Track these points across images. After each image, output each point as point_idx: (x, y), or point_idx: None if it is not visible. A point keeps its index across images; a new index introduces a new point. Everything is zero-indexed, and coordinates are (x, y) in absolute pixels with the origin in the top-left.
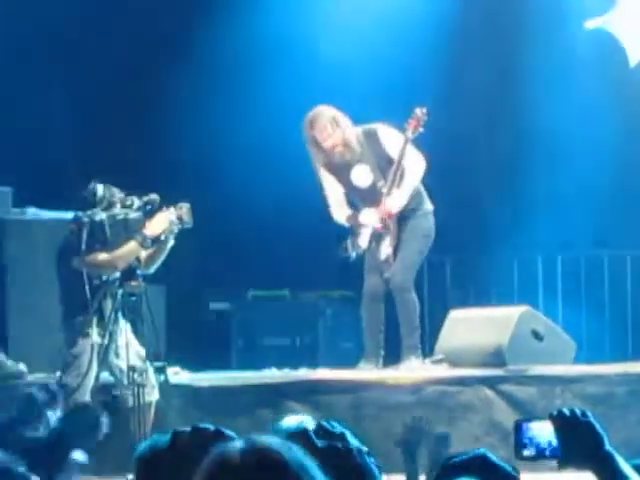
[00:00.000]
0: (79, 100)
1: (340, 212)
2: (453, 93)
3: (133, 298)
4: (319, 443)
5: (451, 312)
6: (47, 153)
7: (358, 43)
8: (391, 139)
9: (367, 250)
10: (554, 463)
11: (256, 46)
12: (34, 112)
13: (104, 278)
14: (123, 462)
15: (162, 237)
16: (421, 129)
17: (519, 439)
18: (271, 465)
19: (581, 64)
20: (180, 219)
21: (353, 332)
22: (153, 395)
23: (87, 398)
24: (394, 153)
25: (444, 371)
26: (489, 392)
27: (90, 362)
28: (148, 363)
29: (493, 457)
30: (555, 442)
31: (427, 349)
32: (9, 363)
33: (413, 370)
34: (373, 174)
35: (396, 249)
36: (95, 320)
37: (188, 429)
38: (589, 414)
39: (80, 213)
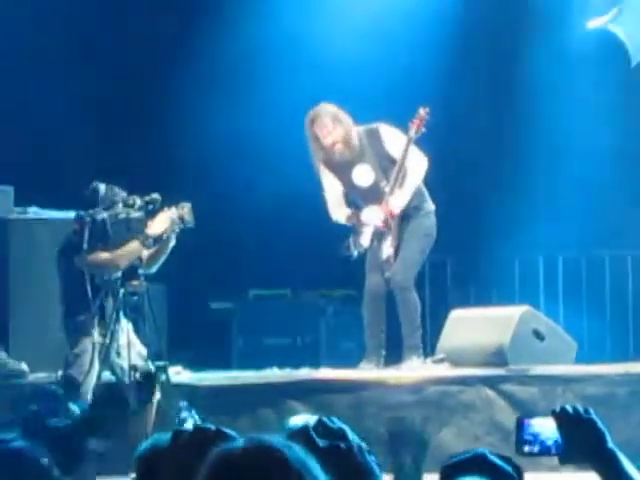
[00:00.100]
0: (81, 100)
1: (339, 212)
2: (453, 93)
3: (135, 297)
4: (320, 442)
5: (452, 312)
6: (49, 152)
7: (359, 43)
8: (393, 138)
9: (369, 249)
10: (554, 460)
11: (257, 46)
12: (36, 111)
13: (106, 277)
14: (125, 462)
15: (164, 237)
16: (424, 129)
17: (520, 435)
18: (273, 464)
19: (582, 64)
20: (182, 219)
21: (354, 331)
22: (154, 395)
23: (88, 398)
24: (395, 152)
25: (445, 371)
26: (490, 392)
27: (92, 361)
28: (150, 362)
29: (493, 457)
30: (557, 439)
31: (428, 349)
32: (10, 362)
33: (414, 370)
34: (374, 173)
35: (397, 248)
36: (97, 319)
37: (189, 429)
38: (592, 411)
39: (82, 212)
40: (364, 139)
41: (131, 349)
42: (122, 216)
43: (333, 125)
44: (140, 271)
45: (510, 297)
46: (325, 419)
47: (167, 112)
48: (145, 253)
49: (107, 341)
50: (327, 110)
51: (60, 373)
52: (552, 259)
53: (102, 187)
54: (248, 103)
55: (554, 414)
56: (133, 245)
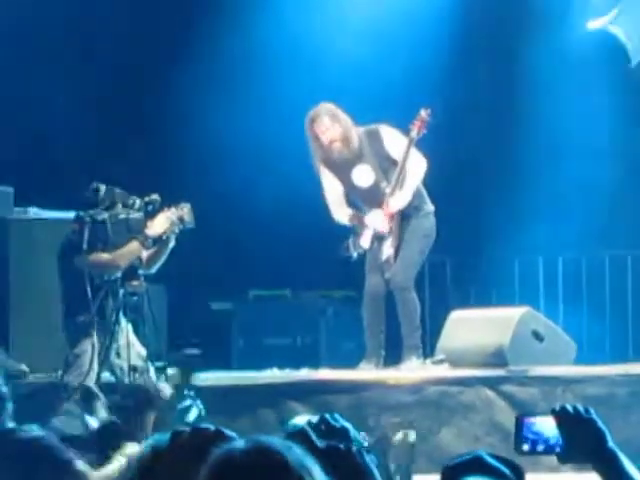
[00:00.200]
0: (81, 100)
1: (340, 211)
2: (453, 93)
3: (134, 298)
4: (319, 443)
5: (452, 313)
6: (49, 153)
7: (359, 43)
8: (393, 139)
9: (368, 250)
10: (554, 460)
11: (257, 47)
12: (36, 112)
13: (105, 278)
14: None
15: (163, 237)
16: (425, 130)
17: (520, 434)
18: (272, 465)
19: (582, 64)
20: (181, 219)
21: (354, 332)
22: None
23: None
24: (396, 153)
25: (445, 371)
26: (490, 392)
27: (91, 362)
28: (149, 363)
29: (490, 458)
30: (556, 437)
31: (428, 349)
32: (10, 363)
33: (414, 370)
34: (375, 174)
35: (397, 249)
36: (96, 320)
37: (188, 429)
38: (592, 411)
39: (82, 213)
40: (364, 140)
41: (130, 349)
42: (122, 216)
43: (331, 123)
44: (140, 271)
45: (510, 298)
46: (328, 417)
47: (167, 112)
48: (145, 253)
49: (107, 341)
50: (325, 108)
51: (60, 373)
52: (552, 260)
53: (102, 187)
54: (248, 103)
55: (554, 413)
56: (133, 245)
